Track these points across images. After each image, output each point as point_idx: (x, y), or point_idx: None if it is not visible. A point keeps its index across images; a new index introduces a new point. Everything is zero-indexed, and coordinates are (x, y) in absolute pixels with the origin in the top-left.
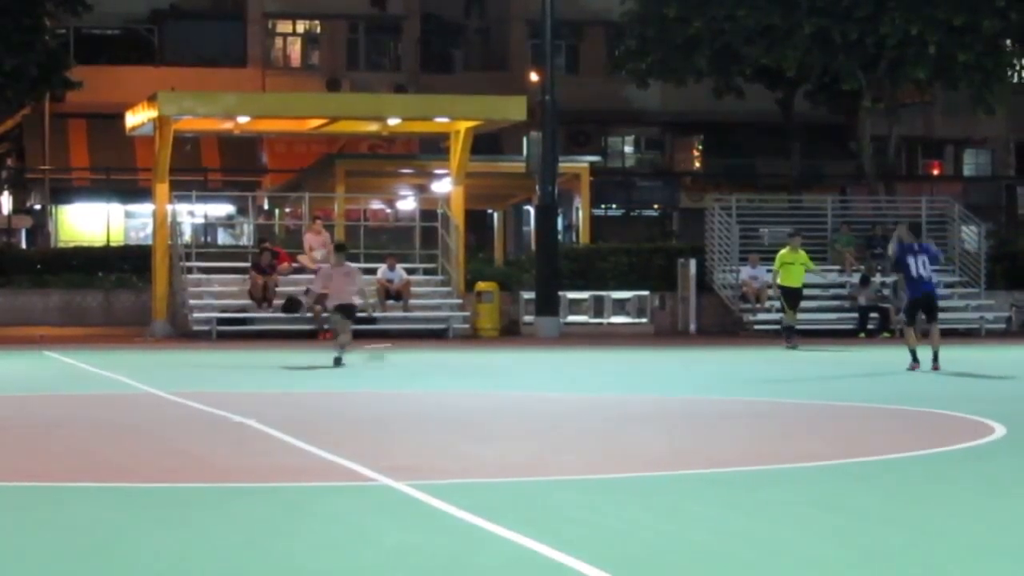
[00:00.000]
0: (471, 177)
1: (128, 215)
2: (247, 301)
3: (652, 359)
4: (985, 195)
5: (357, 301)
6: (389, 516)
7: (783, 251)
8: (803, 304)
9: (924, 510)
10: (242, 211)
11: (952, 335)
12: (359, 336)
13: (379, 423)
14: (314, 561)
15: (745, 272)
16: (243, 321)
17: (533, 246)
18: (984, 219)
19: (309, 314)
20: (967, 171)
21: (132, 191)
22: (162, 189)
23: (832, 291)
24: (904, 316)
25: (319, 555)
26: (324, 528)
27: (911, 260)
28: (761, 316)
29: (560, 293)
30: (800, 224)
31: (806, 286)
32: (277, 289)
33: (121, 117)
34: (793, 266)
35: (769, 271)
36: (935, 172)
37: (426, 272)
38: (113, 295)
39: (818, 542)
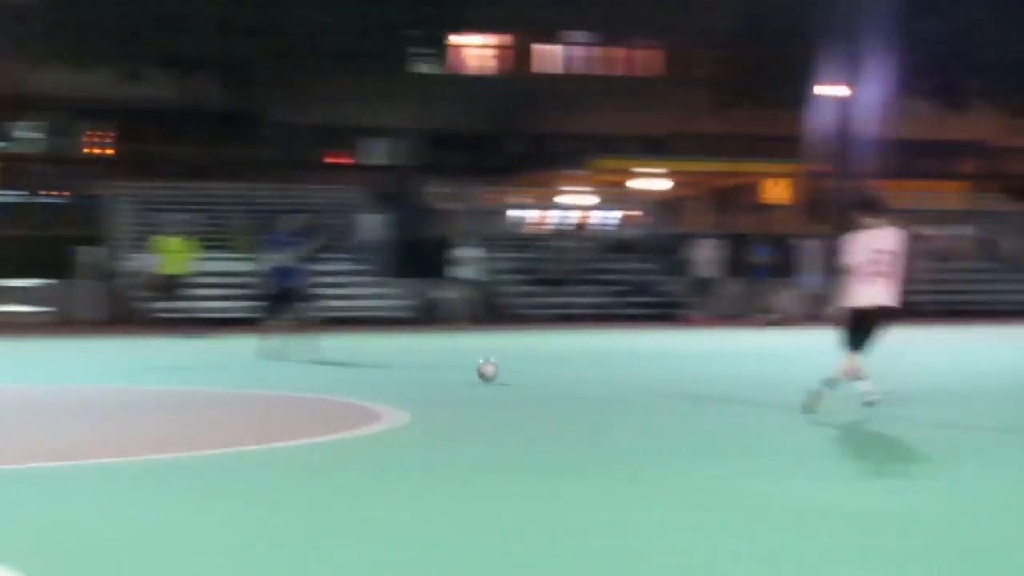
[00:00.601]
0: None
1: None
2: None
3: (50, 348)
4: (389, 184)
5: None
6: None
7: (167, 239)
8: (212, 292)
9: (326, 495)
10: None
11: (360, 323)
12: None
13: None
14: None
15: (144, 260)
16: None
17: None
18: (387, 207)
19: None
20: (372, 160)
21: None
22: None
23: (238, 279)
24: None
25: None
26: None
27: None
28: (162, 304)
29: None
30: (206, 212)
31: (205, 273)
32: None
33: None
34: (176, 254)
35: (157, 259)
36: (341, 161)
37: None
38: None
39: (221, 529)
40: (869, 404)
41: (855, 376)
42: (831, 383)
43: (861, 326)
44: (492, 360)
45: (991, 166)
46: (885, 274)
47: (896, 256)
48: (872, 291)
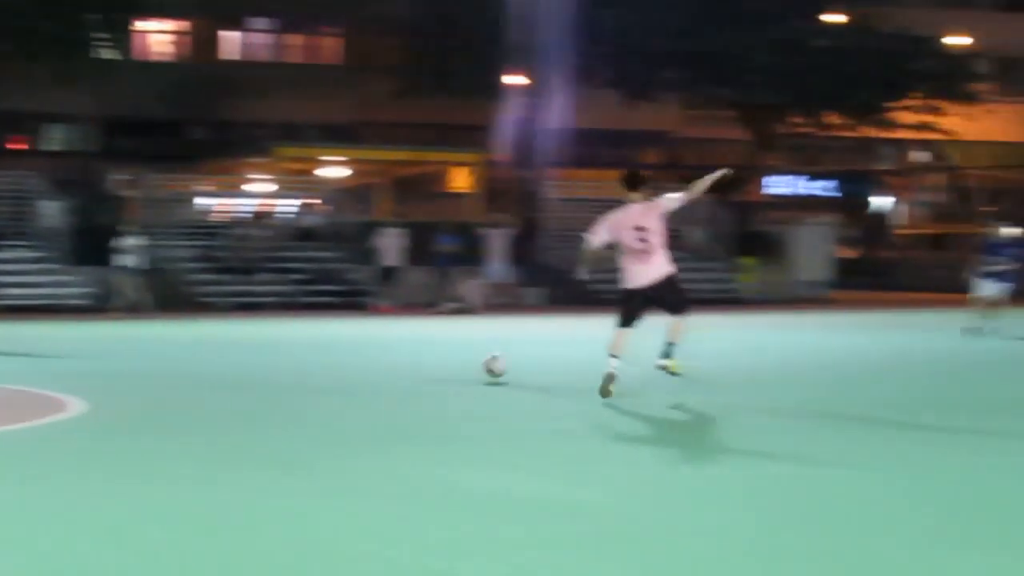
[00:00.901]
0: None
1: None
2: None
3: None
4: (69, 170)
5: None
6: None
7: None
8: None
9: (8, 486)
10: None
11: (39, 311)
12: None
13: None
14: None
15: None
16: None
17: None
18: (68, 194)
19: None
20: (51, 146)
21: None
22: None
23: None
24: None
25: None
26: None
27: None
28: None
29: None
30: None
31: None
32: None
33: None
34: None
35: None
36: (20, 146)
37: None
38: None
39: None
40: (607, 380)
41: (615, 352)
42: (670, 348)
43: (631, 304)
44: (497, 354)
45: (673, 156)
46: (650, 249)
47: (657, 229)
48: (643, 269)
